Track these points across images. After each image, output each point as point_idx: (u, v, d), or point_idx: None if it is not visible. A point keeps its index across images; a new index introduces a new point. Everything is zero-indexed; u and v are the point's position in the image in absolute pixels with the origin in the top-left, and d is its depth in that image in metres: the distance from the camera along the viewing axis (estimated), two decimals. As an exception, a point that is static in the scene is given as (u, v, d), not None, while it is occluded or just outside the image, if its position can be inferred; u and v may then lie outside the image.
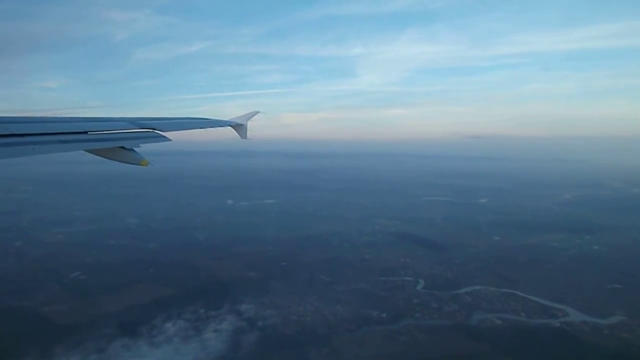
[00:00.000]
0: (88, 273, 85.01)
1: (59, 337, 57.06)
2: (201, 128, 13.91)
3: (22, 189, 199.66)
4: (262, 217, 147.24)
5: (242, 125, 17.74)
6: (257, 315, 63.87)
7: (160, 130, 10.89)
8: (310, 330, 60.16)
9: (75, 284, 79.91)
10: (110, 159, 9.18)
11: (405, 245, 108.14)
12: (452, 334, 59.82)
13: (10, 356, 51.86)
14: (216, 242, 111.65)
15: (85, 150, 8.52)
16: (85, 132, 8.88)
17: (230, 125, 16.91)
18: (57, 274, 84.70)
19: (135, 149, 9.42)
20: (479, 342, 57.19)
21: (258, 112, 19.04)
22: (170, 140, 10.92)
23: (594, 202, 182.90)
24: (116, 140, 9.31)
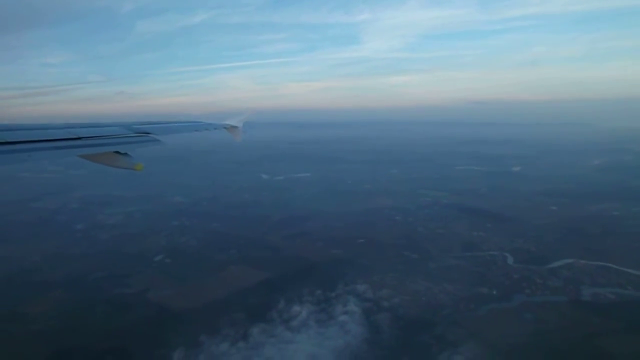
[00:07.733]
0: (172, 256, 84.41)
1: (189, 325, 56.85)
2: (195, 131, 14.02)
3: (48, 169, 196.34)
4: (305, 192, 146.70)
5: (236, 127, 18.08)
6: (376, 295, 63.88)
7: (154, 135, 11.07)
8: (435, 310, 60.47)
9: (166, 268, 79.38)
10: (104, 164, 9.30)
11: (468, 218, 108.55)
12: (574, 311, 60.42)
13: (161, 346, 51.58)
14: (277, 219, 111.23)
15: (79, 156, 8.67)
16: (79, 138, 8.96)
17: (224, 128, 17.36)
18: (140, 258, 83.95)
19: (129, 153, 9.56)
20: (607, 319, 57.82)
21: (251, 114, 19.68)
22: (164, 143, 11.07)
23: (624, 168, 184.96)
24: (110, 145, 9.40)
